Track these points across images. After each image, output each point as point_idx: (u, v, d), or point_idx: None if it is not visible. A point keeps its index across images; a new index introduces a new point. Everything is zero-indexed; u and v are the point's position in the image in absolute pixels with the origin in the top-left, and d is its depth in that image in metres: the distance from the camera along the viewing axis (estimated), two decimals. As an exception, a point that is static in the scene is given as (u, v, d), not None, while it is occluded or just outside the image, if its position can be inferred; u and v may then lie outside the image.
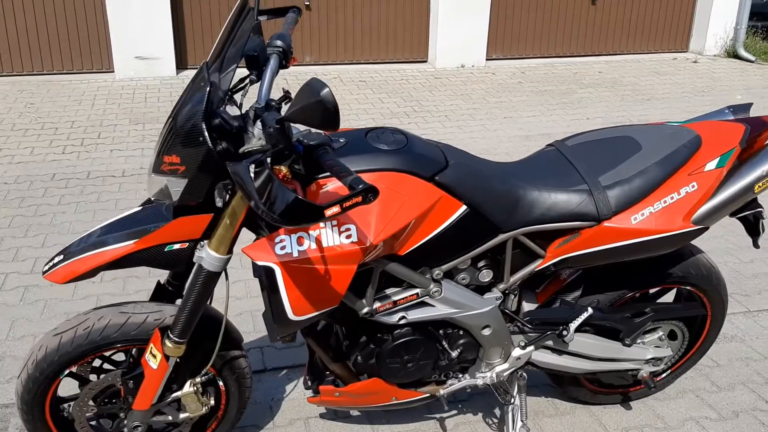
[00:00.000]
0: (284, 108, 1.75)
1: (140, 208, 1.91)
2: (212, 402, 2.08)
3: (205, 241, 1.77)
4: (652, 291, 2.30)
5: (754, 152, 2.06)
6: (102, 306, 1.94)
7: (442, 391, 2.13)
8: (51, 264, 1.83)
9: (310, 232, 1.72)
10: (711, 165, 1.98)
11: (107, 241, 1.79)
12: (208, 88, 1.58)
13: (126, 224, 1.83)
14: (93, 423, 2.07)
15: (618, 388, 2.48)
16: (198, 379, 1.99)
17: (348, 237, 1.72)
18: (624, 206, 1.94)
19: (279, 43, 1.87)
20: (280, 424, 2.42)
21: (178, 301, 2.04)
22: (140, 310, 1.90)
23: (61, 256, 1.82)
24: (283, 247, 1.71)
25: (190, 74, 6.71)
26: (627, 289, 2.20)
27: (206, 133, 1.58)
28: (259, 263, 1.71)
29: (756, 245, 2.16)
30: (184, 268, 1.85)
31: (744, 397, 2.60)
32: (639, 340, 2.28)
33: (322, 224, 1.73)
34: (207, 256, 1.75)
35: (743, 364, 2.79)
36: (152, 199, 1.79)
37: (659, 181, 1.96)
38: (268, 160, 1.51)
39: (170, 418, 2.06)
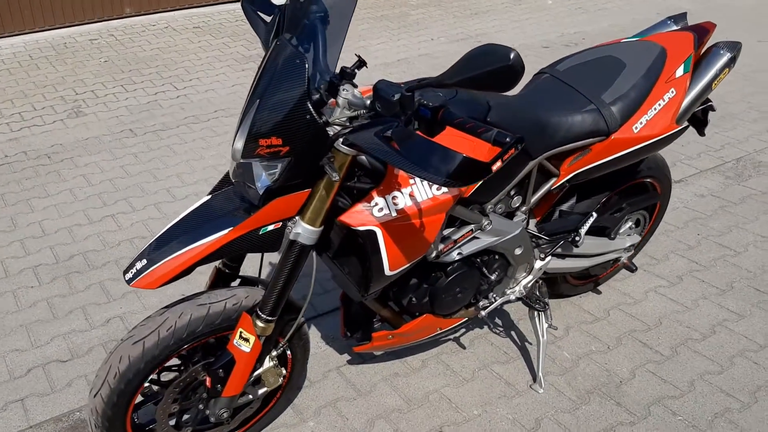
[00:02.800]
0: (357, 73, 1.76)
1: (209, 197, 1.84)
2: (284, 372, 2.11)
3: (297, 217, 1.77)
4: (623, 188, 2.64)
5: (704, 55, 2.42)
6: (172, 304, 1.88)
7: (483, 312, 2.33)
8: (135, 271, 1.73)
9: (403, 190, 1.79)
10: (680, 71, 2.30)
11: (196, 235, 1.72)
12: (306, 65, 1.57)
13: (205, 216, 1.77)
14: (171, 422, 2.02)
15: (592, 278, 2.83)
16: (275, 353, 2.01)
17: (438, 188, 1.82)
18: (626, 118, 2.21)
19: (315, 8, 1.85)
20: (316, 379, 2.49)
21: (235, 283, 2.03)
22: (216, 298, 1.87)
23: (144, 261, 1.73)
24: (380, 209, 1.78)
25: None
26: (609, 191, 2.51)
27: (313, 111, 1.58)
28: (361, 228, 1.76)
29: (702, 134, 2.55)
30: (278, 248, 1.84)
31: (679, 263, 3.09)
32: (620, 232, 2.62)
33: (412, 180, 1.81)
34: (304, 230, 1.76)
35: (666, 237, 3.29)
36: (235, 183, 1.75)
37: (648, 92, 2.24)
38: (415, 124, 1.52)
39: (250, 396, 2.07)
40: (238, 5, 7.21)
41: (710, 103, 2.45)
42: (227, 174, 1.88)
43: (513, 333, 2.68)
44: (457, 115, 1.50)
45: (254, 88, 1.67)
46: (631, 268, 2.69)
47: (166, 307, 1.87)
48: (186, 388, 1.96)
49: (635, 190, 2.64)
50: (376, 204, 1.78)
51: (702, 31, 2.41)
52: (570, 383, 2.43)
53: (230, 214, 1.74)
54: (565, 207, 2.46)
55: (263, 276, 2.51)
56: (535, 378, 2.44)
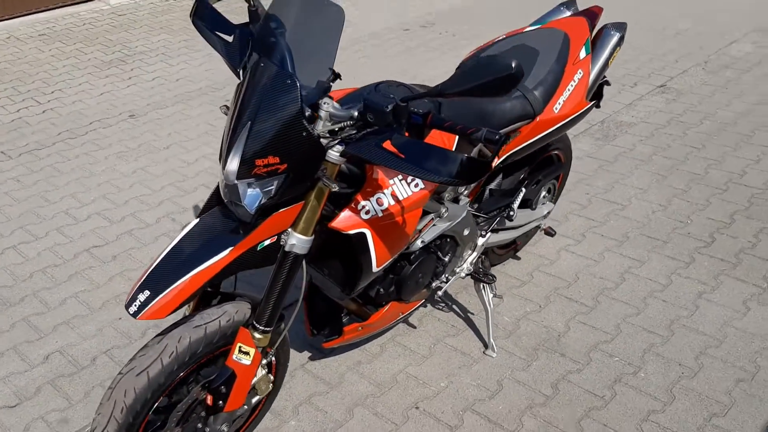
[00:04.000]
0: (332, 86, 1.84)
1: (198, 220, 1.86)
2: (272, 378, 2.18)
3: (290, 229, 1.84)
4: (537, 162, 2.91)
5: (597, 37, 2.71)
6: (165, 330, 1.88)
7: (439, 293, 2.51)
8: (138, 303, 1.73)
9: (385, 191, 1.92)
10: (582, 53, 2.58)
11: (196, 260, 1.75)
12: (297, 83, 1.64)
13: (199, 240, 1.79)
14: (172, 445, 2.04)
15: (512, 246, 3.10)
16: (264, 361, 2.08)
17: (416, 185, 1.96)
18: (547, 101, 2.45)
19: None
20: (285, 380, 2.56)
21: (215, 300, 2.06)
22: (209, 318, 1.90)
23: (146, 292, 1.73)
24: (367, 212, 1.89)
25: None
26: (527, 165, 2.76)
27: (309, 127, 1.66)
28: (351, 232, 1.87)
29: (599, 107, 2.86)
30: (274, 262, 1.89)
31: (578, 222, 3.44)
32: (539, 202, 2.90)
33: (391, 181, 1.93)
34: (298, 241, 1.83)
35: (561, 200, 3.63)
36: (227, 202, 1.78)
37: (561, 74, 2.50)
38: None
39: (245, 406, 2.12)
40: (83, 7, 6.83)
41: (606, 79, 2.75)
42: (212, 195, 1.91)
43: (455, 307, 2.89)
44: (444, 119, 1.63)
45: (239, 110, 1.70)
46: (551, 233, 2.97)
47: (161, 334, 1.87)
48: (187, 410, 1.98)
49: (546, 163, 2.91)
50: (363, 207, 1.89)
51: (592, 15, 2.70)
52: (517, 344, 2.68)
53: (227, 235, 1.78)
54: (493, 186, 2.68)
55: (239, 289, 2.51)
56: (486, 344, 2.66)
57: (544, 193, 2.93)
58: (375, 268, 1.98)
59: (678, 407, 2.37)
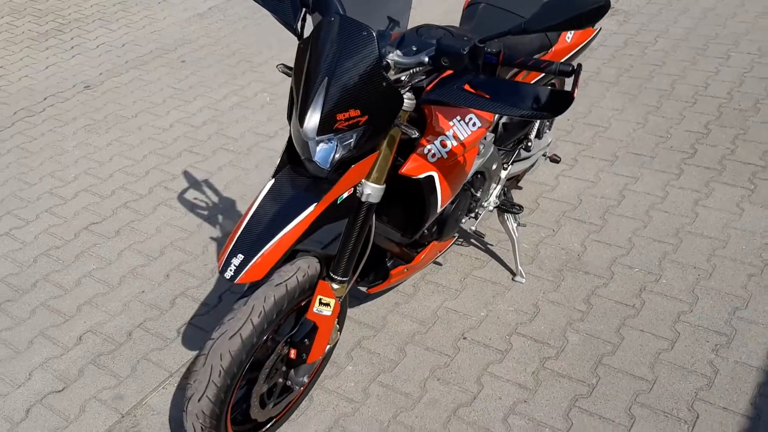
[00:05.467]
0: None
1: (274, 180, 1.86)
2: (338, 327, 2.24)
3: (364, 180, 1.87)
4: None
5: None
6: (246, 293, 1.90)
7: (473, 228, 2.60)
8: (234, 267, 1.74)
9: (447, 133, 1.96)
10: None
11: (283, 220, 1.75)
12: (374, 33, 1.65)
13: (282, 200, 1.80)
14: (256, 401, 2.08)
15: (514, 177, 3.21)
16: None
17: (473, 124, 2.01)
18: (558, 35, 2.53)
19: None
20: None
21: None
22: (287, 275, 1.92)
23: (240, 256, 1.74)
24: (434, 155, 1.94)
25: None
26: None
27: (389, 77, 1.68)
28: (421, 176, 1.92)
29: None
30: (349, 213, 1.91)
31: (567, 148, 3.58)
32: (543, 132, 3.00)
33: (451, 122, 1.98)
34: (372, 190, 1.86)
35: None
36: (304, 160, 1.79)
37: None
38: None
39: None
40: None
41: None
42: (284, 154, 1.90)
43: (473, 241, 2.99)
44: (515, 56, 1.68)
45: (311, 67, 1.70)
46: (557, 160, 3.09)
47: (243, 297, 1.89)
48: (272, 366, 2.02)
49: (547, 92, 3.00)
50: (429, 151, 1.93)
51: None
52: (541, 268, 2.82)
53: (308, 192, 1.79)
54: (505, 120, 2.76)
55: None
56: (514, 272, 2.79)
57: (546, 122, 3.04)
58: (440, 208, 2.04)
59: (703, 306, 2.56)
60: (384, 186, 1.88)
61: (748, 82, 3.99)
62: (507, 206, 2.63)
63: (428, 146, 1.93)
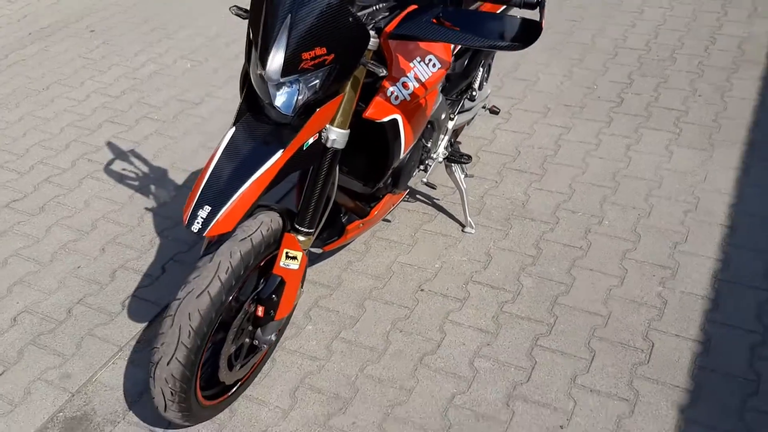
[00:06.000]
0: None
1: (234, 129, 1.78)
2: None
3: (328, 125, 1.81)
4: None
5: None
6: (210, 249, 1.82)
7: (424, 179, 2.59)
8: (201, 219, 1.65)
9: (408, 74, 1.93)
10: None
11: (249, 169, 1.68)
12: None
13: (245, 148, 1.72)
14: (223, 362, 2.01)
15: (458, 133, 3.22)
16: None
17: (434, 65, 1.99)
18: None
19: None
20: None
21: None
22: (251, 230, 1.85)
23: (207, 208, 1.65)
24: (396, 97, 1.90)
25: None
26: (469, 50, 2.85)
27: (354, 12, 1.63)
28: (385, 119, 1.88)
29: None
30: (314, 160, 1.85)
31: (500, 102, 3.62)
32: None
33: (412, 64, 1.95)
34: (337, 135, 1.81)
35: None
36: (266, 105, 1.72)
37: None
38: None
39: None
40: None
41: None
42: (243, 101, 1.82)
43: (419, 196, 2.99)
44: None
45: (273, 4, 1.62)
46: (496, 111, 3.12)
47: (206, 254, 1.82)
48: (240, 325, 1.95)
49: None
50: (392, 93, 1.89)
51: None
52: (489, 218, 2.85)
53: (273, 139, 1.73)
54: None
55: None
56: (463, 223, 2.80)
57: (482, 71, 3.05)
58: (403, 153, 2.01)
59: (646, 243, 2.66)
60: (348, 131, 1.84)
61: (663, 33, 4.15)
62: (456, 157, 2.63)
63: (390, 88, 1.89)
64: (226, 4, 4.91)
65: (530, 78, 3.79)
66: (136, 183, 3.16)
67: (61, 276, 2.67)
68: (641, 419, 2.03)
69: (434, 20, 1.64)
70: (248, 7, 1.78)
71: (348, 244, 2.70)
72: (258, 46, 1.65)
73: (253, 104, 1.79)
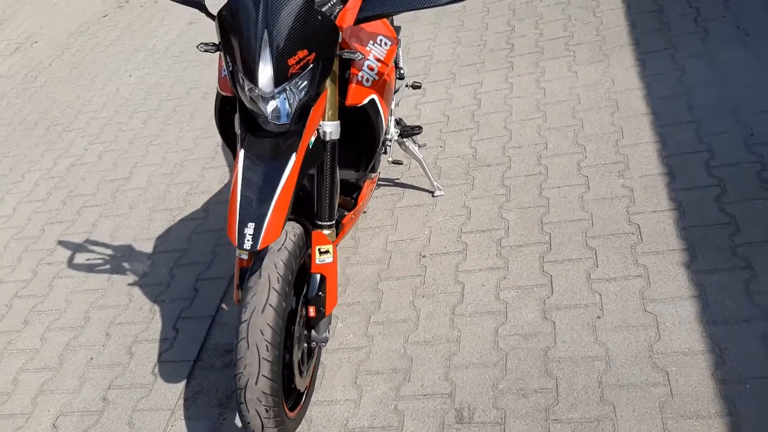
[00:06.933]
0: None
1: (243, 150, 1.88)
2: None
3: (321, 121, 1.96)
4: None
5: None
6: (253, 267, 1.92)
7: (389, 159, 2.77)
8: (250, 236, 1.75)
9: (369, 57, 2.11)
10: None
11: (273, 180, 1.79)
12: None
13: (261, 162, 1.83)
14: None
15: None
16: None
17: (385, 43, 2.17)
18: None
19: None
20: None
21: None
22: (279, 240, 1.96)
23: (252, 224, 1.76)
24: (367, 80, 2.07)
25: None
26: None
27: (321, 10, 1.79)
28: (365, 101, 2.05)
29: None
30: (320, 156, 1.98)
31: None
32: None
33: (368, 47, 2.12)
34: (332, 127, 1.96)
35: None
36: (261, 121, 1.84)
37: None
38: None
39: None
40: None
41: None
42: (241, 125, 1.92)
43: (379, 182, 3.16)
44: None
45: (243, 27, 1.75)
46: (418, 85, 3.32)
47: (251, 272, 1.91)
48: (299, 330, 2.06)
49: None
50: (363, 77, 2.06)
51: None
52: (450, 177, 3.06)
53: (283, 146, 1.84)
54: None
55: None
56: (431, 189, 3.00)
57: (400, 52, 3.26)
58: (384, 128, 2.18)
59: (592, 149, 2.95)
60: (339, 122, 1.99)
61: (520, -20, 4.51)
62: (408, 131, 2.82)
63: (360, 74, 2.06)
64: (113, 83, 4.91)
65: (425, 54, 4.04)
66: (108, 266, 3.16)
67: (78, 373, 2.66)
68: (659, 286, 2.29)
69: (390, -9, 1.82)
70: (214, 41, 1.91)
71: (343, 239, 2.83)
72: (242, 68, 1.78)
73: (249, 125, 1.91)
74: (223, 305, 2.78)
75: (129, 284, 3.01)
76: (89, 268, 3.17)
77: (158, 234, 3.26)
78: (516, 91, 3.46)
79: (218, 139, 3.85)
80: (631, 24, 3.67)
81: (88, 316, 2.91)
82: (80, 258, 3.26)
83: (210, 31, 5.14)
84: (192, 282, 2.93)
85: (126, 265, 3.13)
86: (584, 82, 3.36)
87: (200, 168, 3.66)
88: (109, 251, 3.24)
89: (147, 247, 3.20)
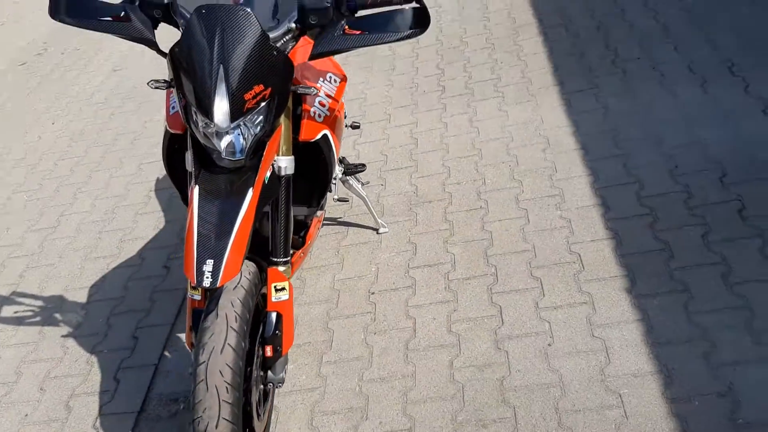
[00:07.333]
0: None
1: (198, 187, 1.85)
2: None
3: (276, 156, 1.96)
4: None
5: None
6: (209, 306, 1.88)
7: (335, 197, 2.78)
8: (209, 273, 1.72)
9: (320, 93, 2.13)
10: None
11: (231, 216, 1.77)
12: (250, 11, 1.76)
13: (217, 198, 1.81)
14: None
15: None
16: None
17: (334, 80, 2.20)
18: None
19: None
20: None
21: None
22: (235, 279, 1.93)
23: (210, 261, 1.72)
24: (320, 115, 2.09)
25: None
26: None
27: (276, 46, 1.80)
28: (318, 137, 2.07)
29: None
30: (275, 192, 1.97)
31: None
32: None
33: (319, 84, 2.15)
34: (287, 162, 1.96)
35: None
36: (216, 158, 1.83)
37: None
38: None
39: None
40: None
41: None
42: (195, 161, 1.90)
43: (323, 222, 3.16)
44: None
45: (200, 61, 1.75)
46: (357, 125, 3.35)
47: (206, 312, 1.87)
48: (256, 370, 2.01)
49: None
50: (315, 113, 2.08)
51: None
52: (394, 214, 3.09)
53: (239, 182, 1.83)
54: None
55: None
56: (375, 227, 3.03)
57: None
58: (337, 163, 2.20)
59: (528, 183, 3.05)
60: (293, 157, 1.99)
61: (447, 26, 4.68)
62: (352, 168, 2.85)
63: (311, 110, 2.08)
64: (35, 130, 4.75)
65: (359, 96, 4.11)
66: (38, 318, 3.02)
67: (13, 430, 2.50)
68: (604, 311, 2.37)
69: (346, 29, 1.86)
70: (165, 78, 1.89)
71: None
72: (196, 104, 1.76)
73: (202, 161, 1.88)
74: (166, 353, 2.69)
75: (63, 336, 2.87)
76: (18, 321, 3.01)
77: (92, 283, 3.14)
78: (451, 131, 3.55)
79: (151, 184, 3.77)
80: (554, 66, 3.85)
81: (19, 370, 2.76)
82: (7, 311, 3.10)
83: (135, 78, 5.07)
84: (131, 330, 2.82)
85: (58, 316, 2.99)
86: (515, 120, 3.49)
87: (133, 214, 3.56)
88: (39, 302, 3.09)
89: (80, 296, 3.07)
